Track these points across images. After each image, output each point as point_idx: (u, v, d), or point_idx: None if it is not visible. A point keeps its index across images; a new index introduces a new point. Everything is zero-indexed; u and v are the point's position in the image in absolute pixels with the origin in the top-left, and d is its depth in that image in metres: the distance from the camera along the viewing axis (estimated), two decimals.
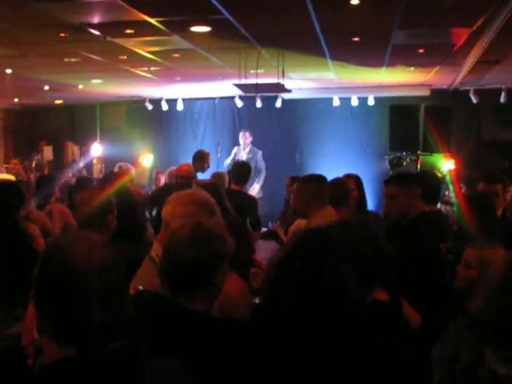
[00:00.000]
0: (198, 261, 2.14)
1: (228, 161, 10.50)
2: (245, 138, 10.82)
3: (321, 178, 4.18)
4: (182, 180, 6.30)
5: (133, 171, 9.21)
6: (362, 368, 1.92)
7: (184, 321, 2.11)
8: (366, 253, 2.26)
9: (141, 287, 2.49)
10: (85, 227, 3.43)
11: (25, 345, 2.26)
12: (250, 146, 10.83)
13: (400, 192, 4.02)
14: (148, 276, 2.74)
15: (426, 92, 10.97)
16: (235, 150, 10.84)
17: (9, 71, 8.77)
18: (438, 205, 5.46)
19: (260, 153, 10.77)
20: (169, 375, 1.51)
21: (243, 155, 10.65)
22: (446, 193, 8.98)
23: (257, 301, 2.95)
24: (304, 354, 1.93)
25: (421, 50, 7.34)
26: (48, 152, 13.97)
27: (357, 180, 5.14)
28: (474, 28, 5.97)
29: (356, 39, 6.65)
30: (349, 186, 4.57)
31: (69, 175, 11.59)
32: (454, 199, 6.77)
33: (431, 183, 5.09)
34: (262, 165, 10.63)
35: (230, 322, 2.31)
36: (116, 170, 8.54)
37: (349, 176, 5.13)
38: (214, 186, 4.70)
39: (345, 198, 4.35)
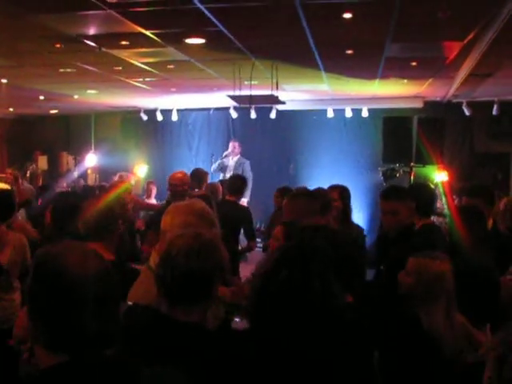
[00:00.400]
0: (199, 272, 2.10)
1: (214, 166, 10.52)
2: (233, 148, 10.87)
3: (311, 193, 4.18)
4: (174, 188, 6.08)
5: (132, 181, 9.29)
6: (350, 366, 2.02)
7: (177, 334, 2.09)
8: (342, 259, 2.31)
9: (130, 302, 2.49)
10: (92, 236, 3.43)
11: (18, 339, 2.28)
12: (238, 155, 10.85)
13: (400, 206, 4.06)
14: (146, 285, 2.75)
15: (419, 104, 11.04)
16: (222, 157, 10.86)
17: (4, 81, 8.81)
18: (432, 217, 5.48)
19: (248, 162, 10.81)
20: (162, 381, 1.53)
21: (231, 164, 10.69)
22: (439, 204, 9.03)
23: (237, 319, 2.98)
24: (295, 358, 1.97)
25: (413, 63, 7.41)
26: (43, 162, 13.96)
27: (342, 191, 5.13)
28: (466, 41, 6.04)
29: (349, 52, 6.71)
30: (330, 197, 4.56)
31: (63, 185, 11.60)
32: (446, 211, 6.80)
33: (425, 196, 5.12)
34: (249, 174, 10.62)
35: (223, 333, 2.31)
36: (116, 178, 8.57)
37: (333, 187, 5.12)
38: (204, 197, 4.70)
39: (326, 209, 4.34)
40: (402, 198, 4.13)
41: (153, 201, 9.81)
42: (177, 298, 2.11)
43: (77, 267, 1.41)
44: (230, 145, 10.97)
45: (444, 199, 8.61)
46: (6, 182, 9.09)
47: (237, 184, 6.92)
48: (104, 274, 1.46)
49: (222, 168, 10.77)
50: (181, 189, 6.00)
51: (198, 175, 7.20)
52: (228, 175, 10.50)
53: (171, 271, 2.10)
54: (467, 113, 10.94)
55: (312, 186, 5.15)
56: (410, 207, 4.17)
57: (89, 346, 1.40)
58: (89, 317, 1.39)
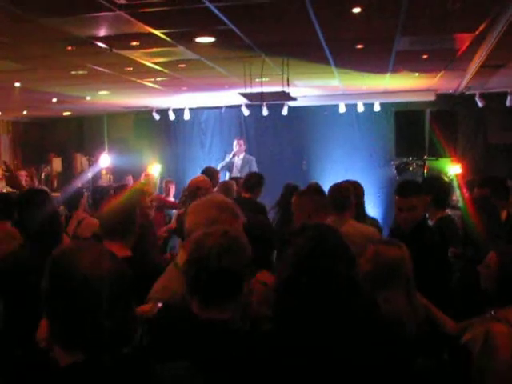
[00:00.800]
0: (232, 270, 2.13)
1: (220, 166, 10.51)
2: (239, 146, 10.82)
3: (320, 190, 4.16)
4: (196, 191, 5.82)
5: (142, 180, 9.34)
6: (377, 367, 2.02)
7: (210, 333, 2.09)
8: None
9: (160, 304, 2.49)
10: (110, 235, 3.45)
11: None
12: (243, 153, 10.84)
13: (418, 202, 4.04)
14: (172, 282, 2.79)
15: (431, 97, 10.98)
16: (230, 156, 10.83)
17: (17, 85, 8.88)
18: (447, 209, 5.47)
19: (254, 160, 10.77)
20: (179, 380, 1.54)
21: (238, 162, 10.67)
22: (454, 197, 8.99)
23: None
24: (324, 359, 1.99)
25: (424, 56, 7.37)
26: (57, 164, 14.06)
27: (355, 187, 5.13)
28: (477, 33, 6.00)
29: (359, 46, 6.69)
30: (350, 191, 4.55)
31: (78, 186, 11.67)
32: (460, 203, 6.78)
33: (440, 188, 5.13)
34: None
35: (253, 333, 2.30)
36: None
37: (347, 182, 5.12)
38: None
39: (347, 204, 4.34)
40: (419, 193, 4.11)
41: (171, 199, 9.84)
42: (210, 297, 2.12)
43: (91, 267, 1.43)
44: (235, 143, 10.92)
45: (458, 192, 8.57)
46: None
47: (251, 181, 6.91)
48: (118, 274, 1.47)
49: (229, 167, 10.73)
50: (205, 192, 5.96)
51: (210, 174, 7.13)
52: (234, 174, 10.54)
53: (204, 271, 2.10)
54: (480, 104, 10.86)
55: (325, 182, 5.16)
56: (426, 201, 4.17)
57: (104, 344, 1.41)
58: (103, 316, 1.40)
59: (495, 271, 2.92)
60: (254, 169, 10.57)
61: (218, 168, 10.15)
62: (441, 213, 4.99)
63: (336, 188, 4.53)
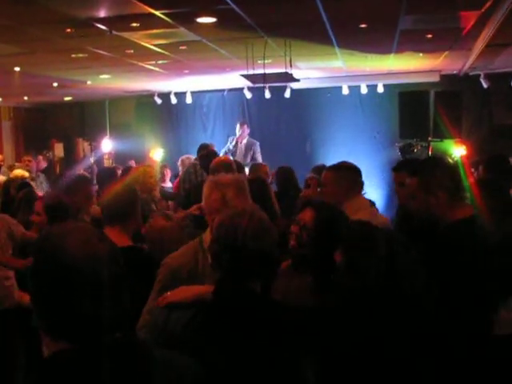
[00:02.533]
0: (269, 251, 2.17)
1: (223, 152, 10.42)
2: (242, 131, 10.73)
3: (354, 167, 4.06)
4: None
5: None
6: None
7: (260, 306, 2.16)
8: None
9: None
10: (110, 219, 3.43)
11: None
12: (246, 137, 10.76)
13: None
14: (189, 257, 2.86)
15: (435, 78, 10.88)
16: (233, 142, 10.71)
17: (17, 69, 8.80)
18: None
19: (257, 144, 10.68)
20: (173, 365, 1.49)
21: (241, 147, 10.60)
22: None
23: None
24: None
25: (429, 35, 7.27)
26: (59, 149, 14.05)
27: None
28: (483, 10, 5.89)
29: (363, 25, 6.59)
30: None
31: (80, 171, 11.62)
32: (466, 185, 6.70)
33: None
34: (258, 156, 10.47)
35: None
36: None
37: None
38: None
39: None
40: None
41: (168, 184, 9.79)
42: (245, 277, 2.15)
43: (77, 249, 1.35)
44: (238, 127, 10.81)
45: (463, 173, 8.50)
46: (28, 170, 9.27)
47: None
48: (109, 258, 1.39)
49: (233, 152, 10.66)
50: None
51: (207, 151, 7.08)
52: (238, 158, 10.47)
53: (238, 253, 2.12)
54: (485, 85, 10.76)
55: (329, 164, 5.09)
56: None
57: (91, 332, 1.35)
58: (90, 302, 1.33)
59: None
60: (258, 153, 10.52)
61: (221, 154, 10.09)
62: None
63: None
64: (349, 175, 3.91)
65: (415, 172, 3.45)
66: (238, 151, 10.58)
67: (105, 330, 1.35)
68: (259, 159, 10.35)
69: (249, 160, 10.22)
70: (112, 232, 3.19)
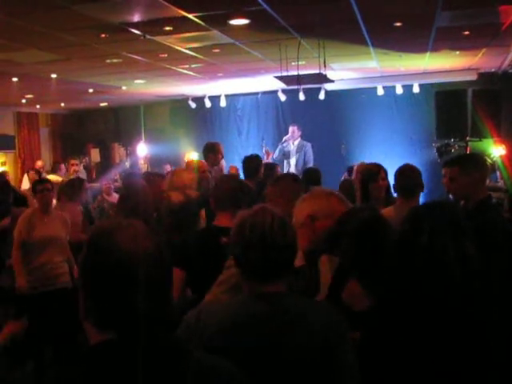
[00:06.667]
0: (294, 247, 2.15)
1: (275, 154, 10.47)
2: (293, 132, 10.82)
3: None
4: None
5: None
6: None
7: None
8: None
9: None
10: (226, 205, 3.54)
11: None
12: (298, 139, 10.81)
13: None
14: None
15: (472, 76, 10.67)
16: (282, 143, 10.83)
17: (54, 76, 8.93)
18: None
19: (309, 145, 10.76)
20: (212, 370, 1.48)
21: (293, 149, 10.65)
22: (499, 179, 8.73)
23: None
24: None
25: (466, 32, 7.12)
26: (95, 154, 14.23)
27: (384, 170, 5.06)
28: None
29: (398, 24, 6.48)
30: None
31: (117, 176, 11.74)
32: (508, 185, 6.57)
33: None
34: (310, 158, 10.57)
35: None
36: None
37: (378, 165, 5.00)
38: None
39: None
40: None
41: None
42: (271, 275, 2.09)
43: (128, 244, 1.40)
44: (290, 129, 10.93)
45: (504, 174, 8.32)
46: (77, 173, 9.58)
47: (252, 166, 6.14)
48: (156, 255, 1.44)
49: (285, 154, 10.70)
50: None
51: (212, 148, 6.60)
52: (291, 161, 10.63)
53: (266, 252, 2.05)
54: None
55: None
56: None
57: (137, 325, 1.37)
58: (137, 296, 1.37)
59: None
60: (309, 154, 10.62)
61: (274, 157, 10.14)
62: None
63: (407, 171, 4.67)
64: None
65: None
66: (290, 153, 10.68)
67: (151, 324, 1.39)
68: (311, 160, 10.46)
69: (301, 161, 10.39)
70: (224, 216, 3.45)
